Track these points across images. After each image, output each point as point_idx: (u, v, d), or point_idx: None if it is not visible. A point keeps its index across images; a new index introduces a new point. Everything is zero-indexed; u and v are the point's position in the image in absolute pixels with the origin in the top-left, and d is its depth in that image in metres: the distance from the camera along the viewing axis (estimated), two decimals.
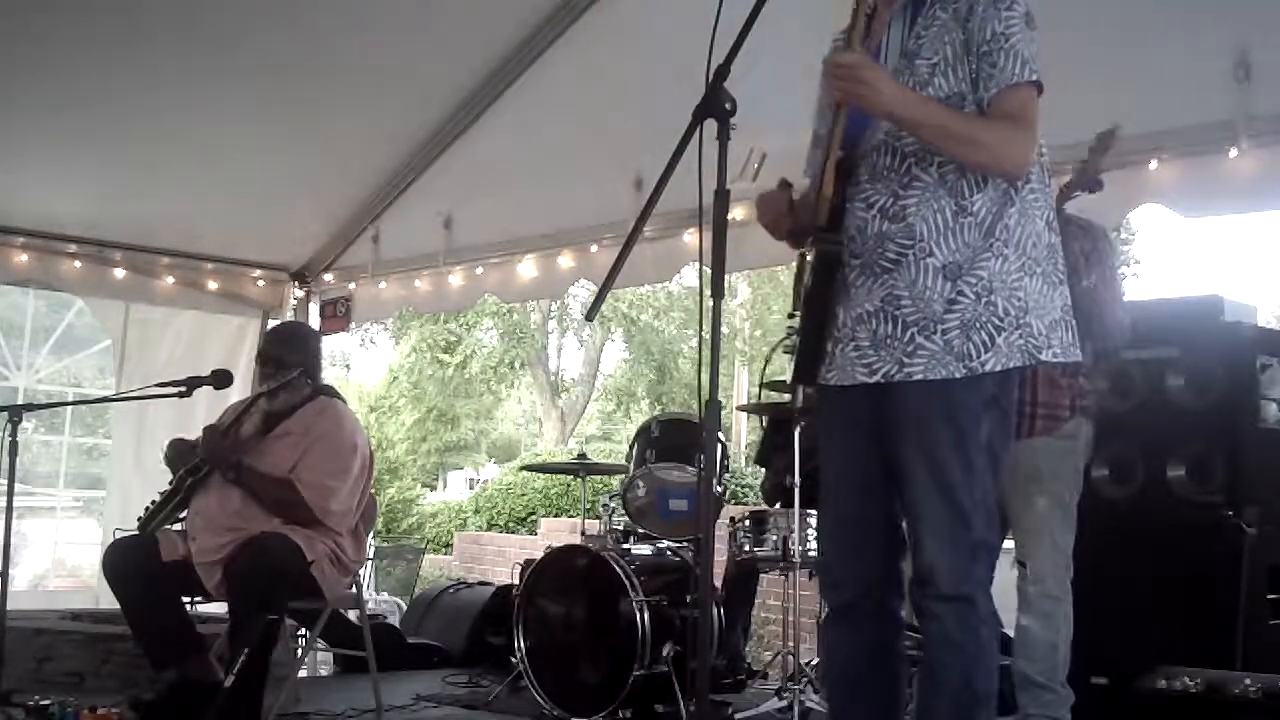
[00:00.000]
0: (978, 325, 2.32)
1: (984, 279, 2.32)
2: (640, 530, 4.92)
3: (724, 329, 8.13)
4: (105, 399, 6.57)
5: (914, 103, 2.32)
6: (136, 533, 4.15)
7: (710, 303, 2.18)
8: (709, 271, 2.21)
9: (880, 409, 2.40)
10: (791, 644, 4.47)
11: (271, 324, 6.96)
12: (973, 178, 2.35)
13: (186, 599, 4.05)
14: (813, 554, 4.58)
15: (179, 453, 4.19)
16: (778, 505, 4.78)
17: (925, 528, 2.36)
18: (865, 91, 2.26)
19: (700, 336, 2.17)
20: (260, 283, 7.13)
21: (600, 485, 9.89)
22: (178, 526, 4.16)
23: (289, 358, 4.23)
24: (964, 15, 2.36)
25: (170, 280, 6.78)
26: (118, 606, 4.05)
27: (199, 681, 3.85)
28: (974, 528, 2.34)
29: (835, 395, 2.47)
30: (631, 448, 5.21)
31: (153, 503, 4.19)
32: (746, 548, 4.71)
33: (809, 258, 2.45)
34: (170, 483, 4.18)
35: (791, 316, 2.54)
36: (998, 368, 2.33)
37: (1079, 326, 2.48)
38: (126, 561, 3.98)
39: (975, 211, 2.34)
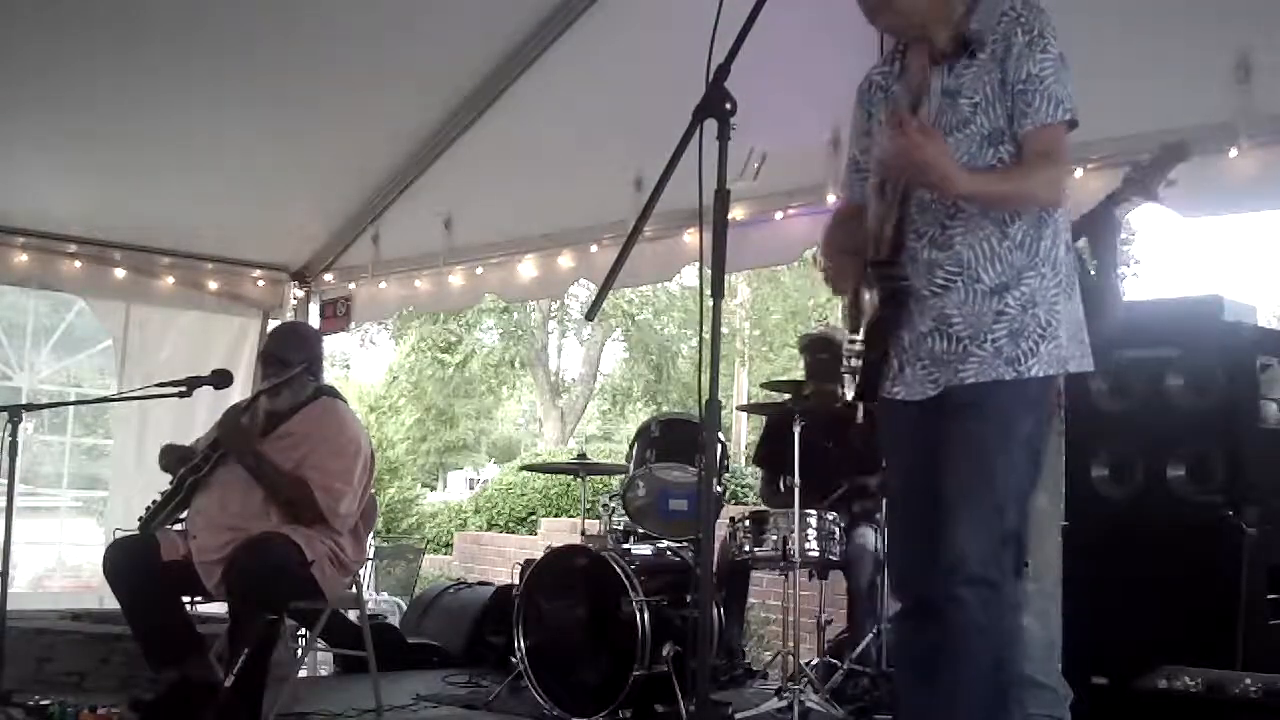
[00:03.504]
0: (1024, 334, 2.48)
1: (1027, 293, 2.49)
2: (640, 530, 4.93)
3: (724, 329, 8.13)
4: (106, 399, 6.58)
5: (966, 180, 2.44)
6: (137, 532, 4.15)
7: (710, 303, 2.18)
8: (709, 271, 2.21)
9: (938, 414, 2.54)
10: (791, 644, 4.47)
11: (272, 324, 6.97)
12: None
13: (186, 599, 4.06)
14: (812, 554, 4.61)
15: (172, 457, 4.19)
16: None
17: (960, 515, 2.46)
18: (924, 178, 2.42)
19: (700, 336, 2.17)
20: (260, 283, 7.14)
21: (600, 485, 9.89)
22: (178, 526, 4.16)
23: (292, 356, 4.23)
24: (1001, 55, 2.49)
25: (170, 280, 6.78)
26: (119, 607, 4.05)
27: (199, 681, 3.85)
28: (1007, 518, 2.46)
29: (899, 408, 2.62)
30: (631, 448, 5.21)
31: (153, 502, 4.19)
32: (746, 547, 4.72)
33: (874, 288, 2.58)
34: (171, 482, 4.19)
35: (853, 341, 2.67)
36: (1041, 374, 2.49)
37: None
38: (127, 561, 3.99)
39: (1014, 235, 2.50)
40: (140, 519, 4.19)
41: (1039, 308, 2.49)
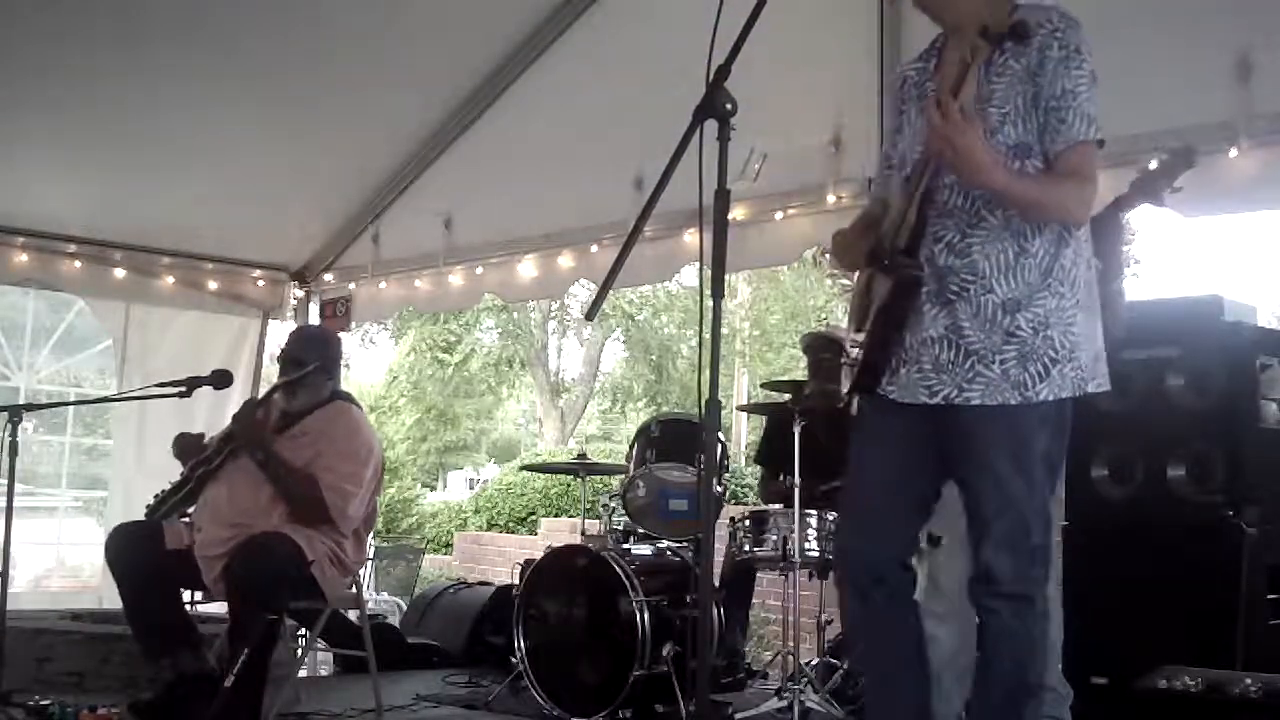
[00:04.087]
0: (1034, 357, 2.47)
1: (1040, 315, 2.47)
2: (640, 530, 4.92)
3: (724, 329, 8.13)
4: (105, 399, 6.58)
5: (1000, 173, 2.40)
6: (143, 519, 4.17)
7: (710, 303, 2.19)
8: (709, 271, 2.22)
9: (939, 428, 2.54)
10: (791, 644, 4.47)
11: (272, 324, 6.99)
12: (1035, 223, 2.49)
13: (186, 596, 4.06)
14: (812, 554, 4.59)
15: (185, 447, 4.21)
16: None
17: (987, 535, 2.50)
18: (959, 162, 2.36)
19: (700, 336, 2.18)
20: (260, 283, 7.14)
21: (600, 485, 9.89)
22: (185, 520, 4.17)
23: (306, 356, 4.24)
24: (1034, 69, 2.46)
25: (170, 280, 6.79)
26: (119, 607, 4.05)
27: (194, 673, 3.85)
28: (1033, 534, 2.51)
29: (891, 408, 2.60)
30: (631, 448, 5.21)
31: (163, 490, 4.20)
32: (746, 547, 4.72)
33: (891, 278, 2.55)
34: (181, 473, 4.20)
35: (859, 331, 2.66)
36: (1050, 397, 2.48)
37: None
38: (129, 545, 4.01)
39: (1034, 253, 2.49)
40: (148, 506, 4.21)
41: (1053, 329, 2.47)
